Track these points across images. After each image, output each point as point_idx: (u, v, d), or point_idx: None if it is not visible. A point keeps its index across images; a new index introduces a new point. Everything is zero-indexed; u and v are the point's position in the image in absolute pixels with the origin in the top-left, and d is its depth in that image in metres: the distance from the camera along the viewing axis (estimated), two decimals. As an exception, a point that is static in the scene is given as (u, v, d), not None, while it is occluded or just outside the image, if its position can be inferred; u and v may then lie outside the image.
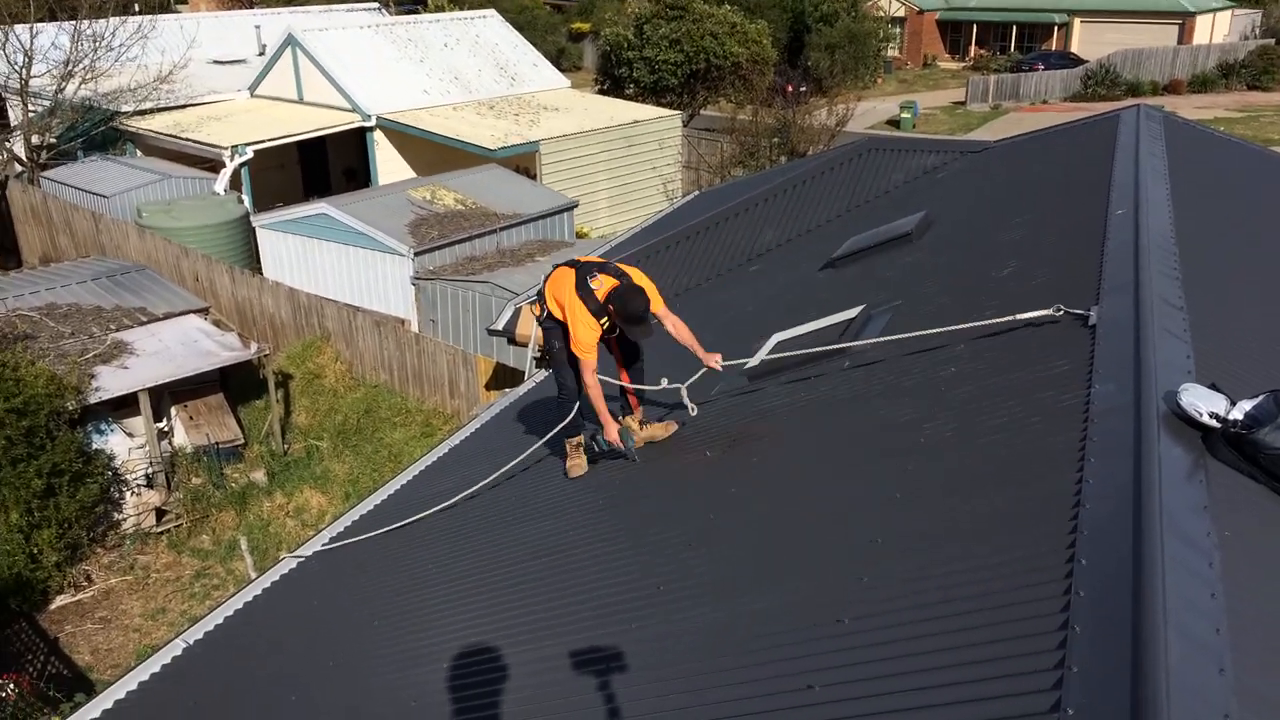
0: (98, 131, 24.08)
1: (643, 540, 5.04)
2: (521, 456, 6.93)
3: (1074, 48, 48.54)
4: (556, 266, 6.28)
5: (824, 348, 6.16)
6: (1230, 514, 3.21)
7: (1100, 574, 2.82)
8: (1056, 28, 50.08)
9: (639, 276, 6.06)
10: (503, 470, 6.87)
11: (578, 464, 6.41)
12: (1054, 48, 49.27)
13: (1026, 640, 2.69)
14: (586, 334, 5.87)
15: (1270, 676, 2.58)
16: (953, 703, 2.62)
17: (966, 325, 5.23)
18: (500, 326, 12.62)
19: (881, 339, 5.88)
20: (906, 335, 5.58)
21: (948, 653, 2.84)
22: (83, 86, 23.43)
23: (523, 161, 22.48)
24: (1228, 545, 3.02)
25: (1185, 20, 46.61)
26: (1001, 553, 3.23)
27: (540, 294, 6.27)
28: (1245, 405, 3.54)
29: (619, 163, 24.09)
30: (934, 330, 5.40)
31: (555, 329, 6.16)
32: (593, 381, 5.98)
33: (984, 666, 2.69)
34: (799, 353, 6.31)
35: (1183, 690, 2.32)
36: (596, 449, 6.33)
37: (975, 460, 4.03)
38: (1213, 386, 3.62)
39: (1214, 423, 3.53)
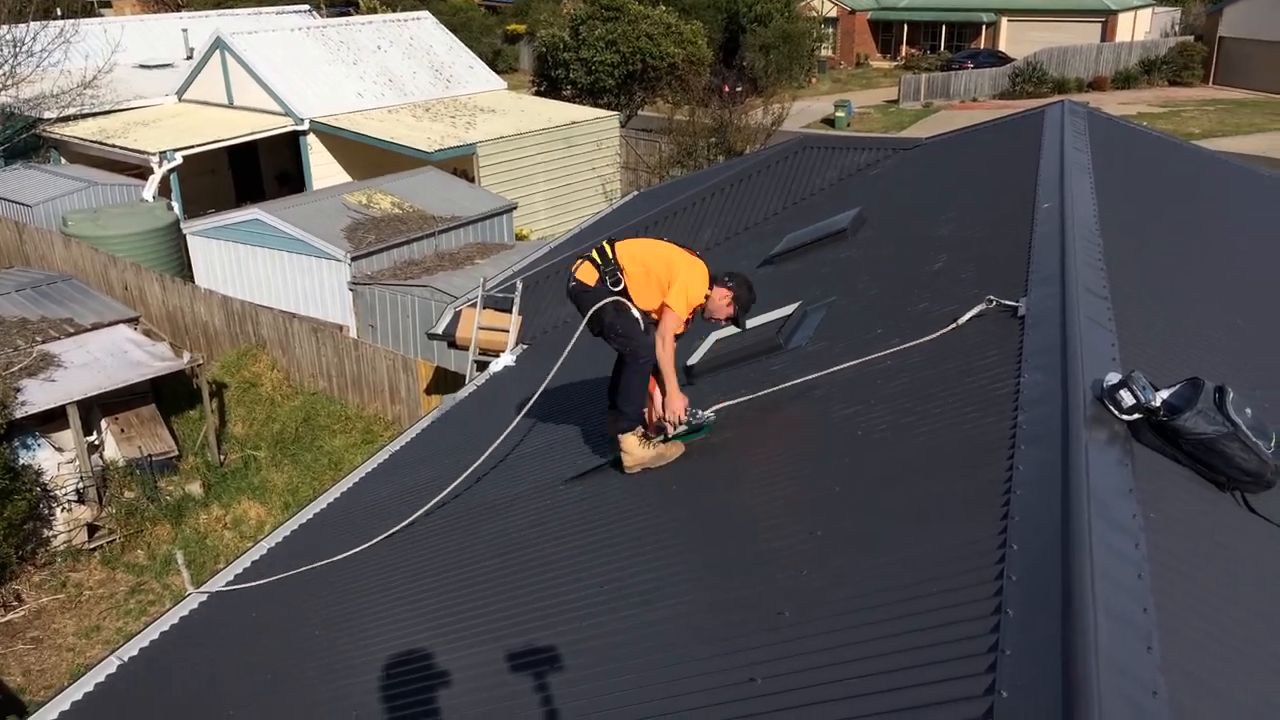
0: (20, 139, 23.39)
1: (587, 540, 5.03)
2: (489, 451, 6.87)
3: (1002, 46, 49.50)
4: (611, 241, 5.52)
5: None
6: (1155, 497, 3.31)
7: (1031, 558, 2.88)
8: (985, 27, 51.03)
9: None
10: (468, 472, 6.78)
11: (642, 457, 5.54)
12: (983, 46, 50.20)
13: (961, 625, 2.75)
14: (696, 296, 5.31)
15: (1196, 653, 2.66)
16: (891, 689, 2.66)
17: (911, 343, 5.29)
18: (440, 330, 12.49)
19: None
20: (865, 358, 5.63)
21: (886, 640, 2.88)
22: (3, 93, 22.76)
23: (460, 164, 22.30)
24: (1153, 527, 3.10)
25: (1108, 18, 47.81)
26: (936, 541, 3.28)
27: (603, 256, 5.37)
28: (1165, 393, 3.65)
29: (557, 164, 24.01)
30: (883, 352, 5.46)
31: (616, 301, 5.33)
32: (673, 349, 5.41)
33: (921, 653, 2.74)
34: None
35: (1112, 669, 2.38)
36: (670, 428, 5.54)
37: (911, 451, 4.10)
38: (1136, 374, 3.72)
39: (1137, 412, 3.63)
